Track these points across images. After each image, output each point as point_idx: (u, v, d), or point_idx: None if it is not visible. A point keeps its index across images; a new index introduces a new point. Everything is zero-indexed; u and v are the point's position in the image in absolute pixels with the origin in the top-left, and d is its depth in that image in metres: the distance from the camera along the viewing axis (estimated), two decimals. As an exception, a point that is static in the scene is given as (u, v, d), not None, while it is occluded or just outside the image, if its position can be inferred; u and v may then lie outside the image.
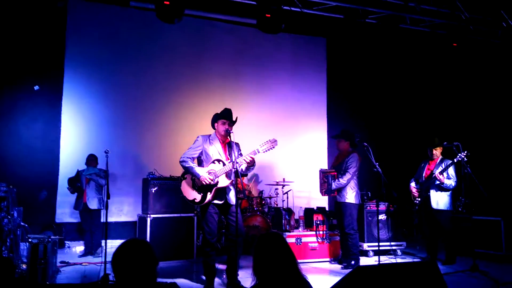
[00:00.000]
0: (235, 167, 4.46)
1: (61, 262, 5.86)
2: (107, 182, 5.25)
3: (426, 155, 6.31)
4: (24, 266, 4.76)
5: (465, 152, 5.58)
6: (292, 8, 7.07)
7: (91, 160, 6.71)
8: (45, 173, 7.32)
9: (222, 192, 4.65)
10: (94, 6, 7.84)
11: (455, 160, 5.71)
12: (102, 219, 6.17)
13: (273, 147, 4.63)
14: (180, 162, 4.70)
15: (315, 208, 6.90)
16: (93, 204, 6.55)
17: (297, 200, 8.12)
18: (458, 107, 8.41)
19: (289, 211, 7.21)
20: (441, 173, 5.87)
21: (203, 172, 4.58)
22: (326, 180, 5.86)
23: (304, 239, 6.28)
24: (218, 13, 8.31)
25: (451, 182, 5.92)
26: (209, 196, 4.58)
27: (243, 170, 4.72)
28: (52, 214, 7.27)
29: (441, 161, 6.11)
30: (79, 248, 7.07)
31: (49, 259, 4.53)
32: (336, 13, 7.32)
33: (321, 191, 6.06)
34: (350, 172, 5.84)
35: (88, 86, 7.73)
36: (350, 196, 5.86)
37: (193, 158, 4.76)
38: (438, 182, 5.91)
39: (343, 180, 5.81)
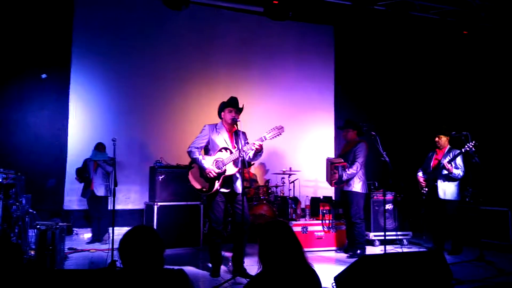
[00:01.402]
0: (242, 155, 4.45)
1: (69, 248, 5.94)
2: (114, 169, 5.28)
3: (433, 145, 6.26)
4: (32, 252, 4.80)
5: (473, 142, 5.53)
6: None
7: (100, 148, 6.75)
8: (53, 161, 7.37)
9: (229, 180, 4.66)
10: (100, -6, 7.82)
11: (463, 150, 5.65)
12: (109, 207, 6.22)
13: (280, 134, 4.59)
14: (188, 152, 4.71)
15: (321, 197, 6.90)
16: (100, 191, 6.60)
17: (304, 189, 8.12)
18: (467, 97, 8.30)
19: (296, 200, 7.22)
20: (449, 162, 5.83)
21: (208, 164, 4.58)
22: (336, 171, 5.83)
23: (310, 228, 6.29)
24: (224, 0, 8.23)
25: (459, 172, 5.87)
26: (216, 184, 4.59)
27: (251, 157, 4.70)
28: (60, 202, 7.35)
29: (449, 151, 6.05)
30: (86, 235, 7.14)
31: (57, 245, 4.58)
32: (344, 0, 7.22)
33: (328, 181, 6.04)
34: (359, 161, 5.82)
35: (96, 74, 7.73)
36: (357, 185, 5.84)
37: (200, 148, 4.76)
38: (446, 172, 5.87)
39: (352, 170, 5.78)
